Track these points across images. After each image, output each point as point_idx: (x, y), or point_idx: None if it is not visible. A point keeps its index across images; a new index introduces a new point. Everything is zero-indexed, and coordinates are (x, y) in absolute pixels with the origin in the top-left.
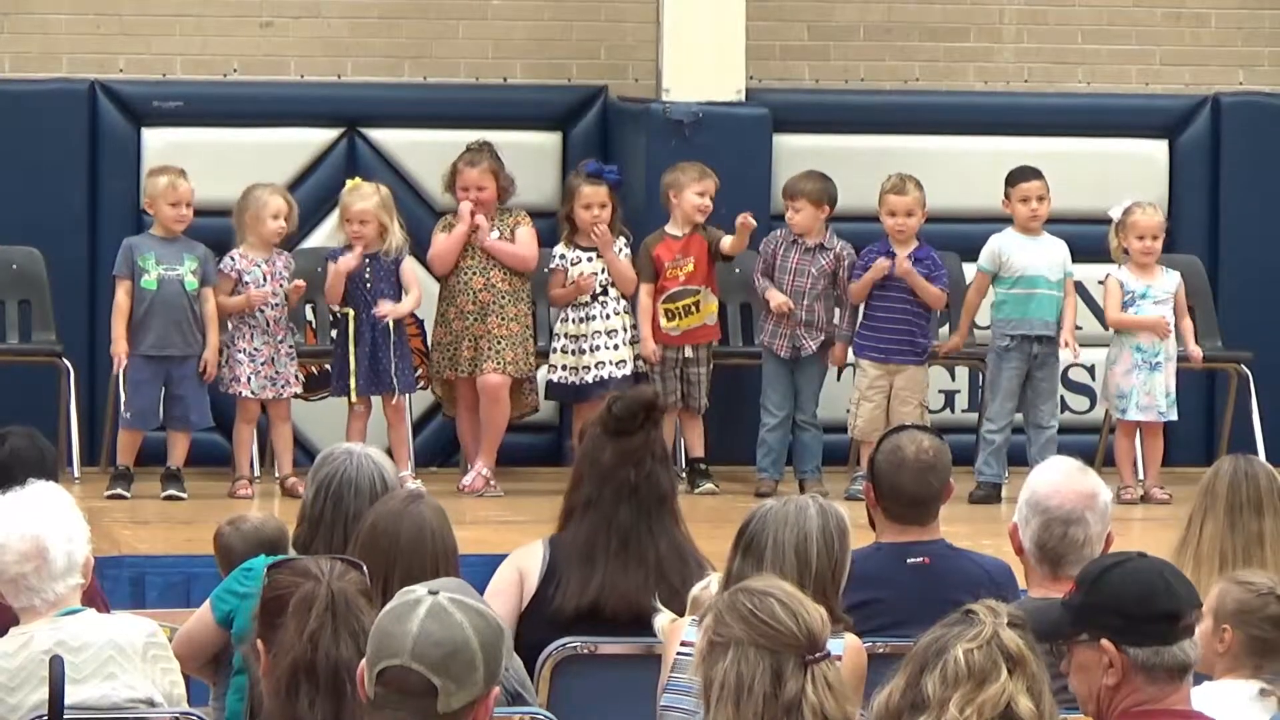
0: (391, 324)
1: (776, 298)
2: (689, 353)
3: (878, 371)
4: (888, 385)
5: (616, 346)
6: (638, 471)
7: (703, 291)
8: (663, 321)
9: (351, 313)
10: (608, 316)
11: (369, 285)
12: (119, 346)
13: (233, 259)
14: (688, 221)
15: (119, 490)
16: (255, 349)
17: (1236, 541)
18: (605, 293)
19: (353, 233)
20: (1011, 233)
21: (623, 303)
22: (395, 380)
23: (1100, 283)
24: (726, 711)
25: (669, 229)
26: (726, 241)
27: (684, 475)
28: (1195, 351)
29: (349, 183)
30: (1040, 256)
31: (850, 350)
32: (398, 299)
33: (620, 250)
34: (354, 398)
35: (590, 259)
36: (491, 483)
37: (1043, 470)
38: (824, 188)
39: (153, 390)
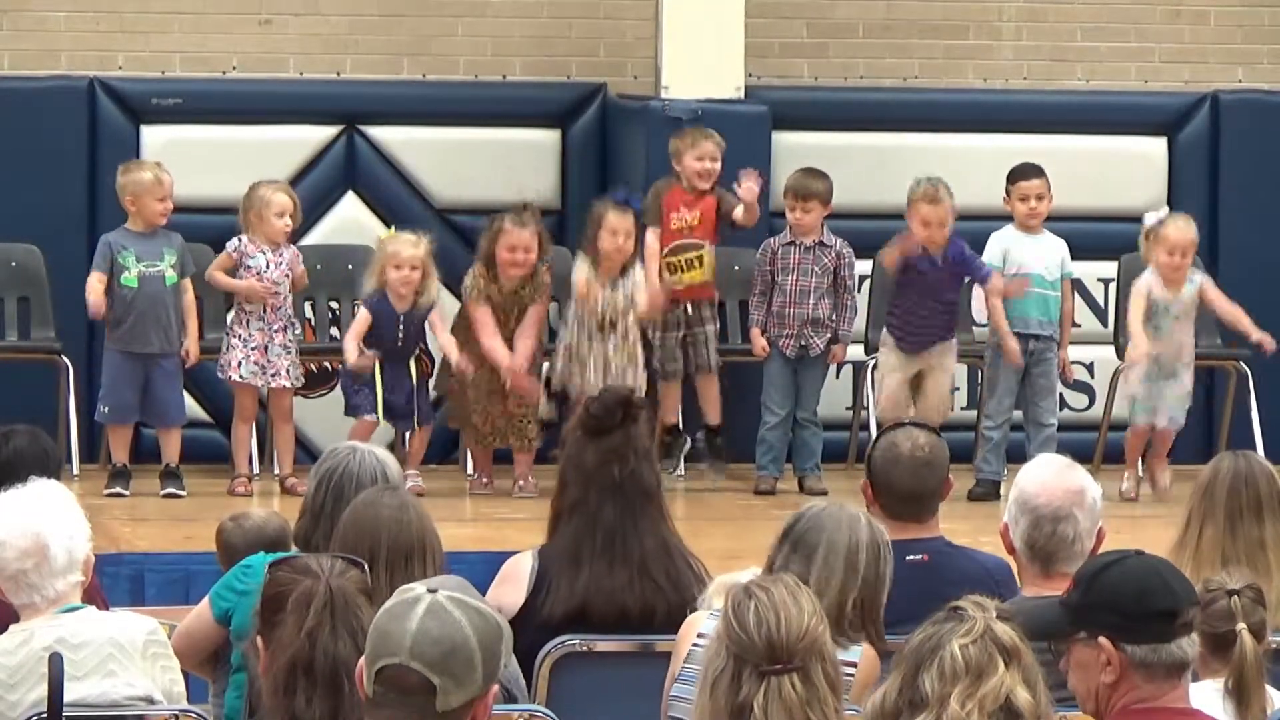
0: (414, 367)
1: (758, 341)
2: (690, 310)
3: (905, 358)
4: (916, 367)
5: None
6: (621, 469)
7: (706, 248)
8: (665, 275)
9: (379, 363)
10: (612, 350)
11: (400, 340)
12: (98, 307)
13: (239, 241)
14: (692, 188)
15: (117, 489)
16: (249, 335)
17: (1239, 548)
18: (614, 327)
19: (403, 279)
20: (1012, 230)
21: (631, 337)
22: (418, 415)
23: (1101, 280)
24: (703, 698)
25: (682, 185)
26: (739, 213)
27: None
28: (1266, 340)
29: (385, 233)
30: (1038, 255)
31: (881, 335)
32: (422, 341)
33: (635, 285)
34: (381, 420)
35: (609, 292)
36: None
37: (1030, 469)
38: (830, 187)
39: (130, 387)
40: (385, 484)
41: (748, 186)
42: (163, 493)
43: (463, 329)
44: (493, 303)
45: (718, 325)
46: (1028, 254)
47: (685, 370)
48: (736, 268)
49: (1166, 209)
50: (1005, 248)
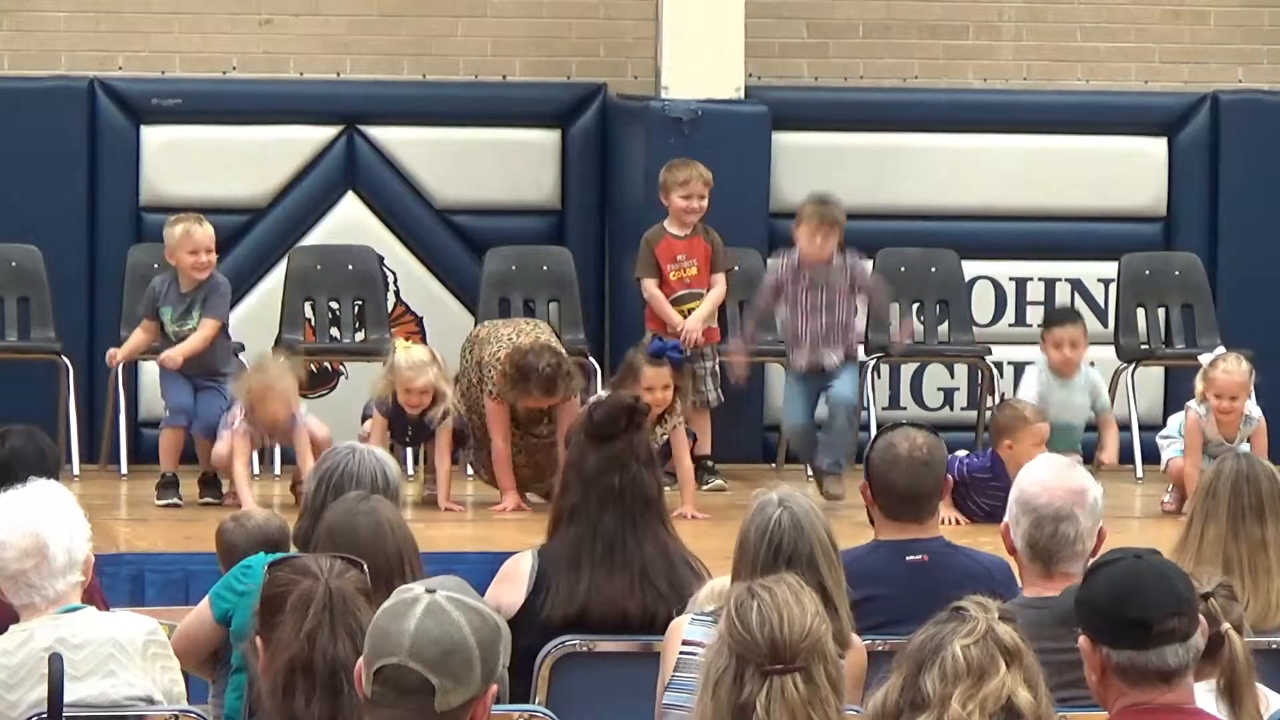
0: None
1: (736, 366)
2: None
3: None
4: None
5: None
6: (622, 476)
7: (705, 295)
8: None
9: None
10: None
11: (409, 438)
12: (120, 356)
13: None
14: (682, 224)
15: (172, 500)
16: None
17: (1241, 549)
18: None
19: (411, 403)
20: (1047, 373)
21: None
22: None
23: (1101, 280)
24: (705, 700)
25: (668, 226)
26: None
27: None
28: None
29: (400, 345)
30: (1069, 403)
31: None
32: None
33: (680, 422)
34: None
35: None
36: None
37: (1031, 469)
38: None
39: (185, 391)
40: (363, 496)
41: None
42: (202, 500)
43: (477, 410)
44: (515, 409)
45: (717, 362)
46: (1060, 404)
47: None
48: (736, 268)
49: (1222, 348)
50: (1040, 393)
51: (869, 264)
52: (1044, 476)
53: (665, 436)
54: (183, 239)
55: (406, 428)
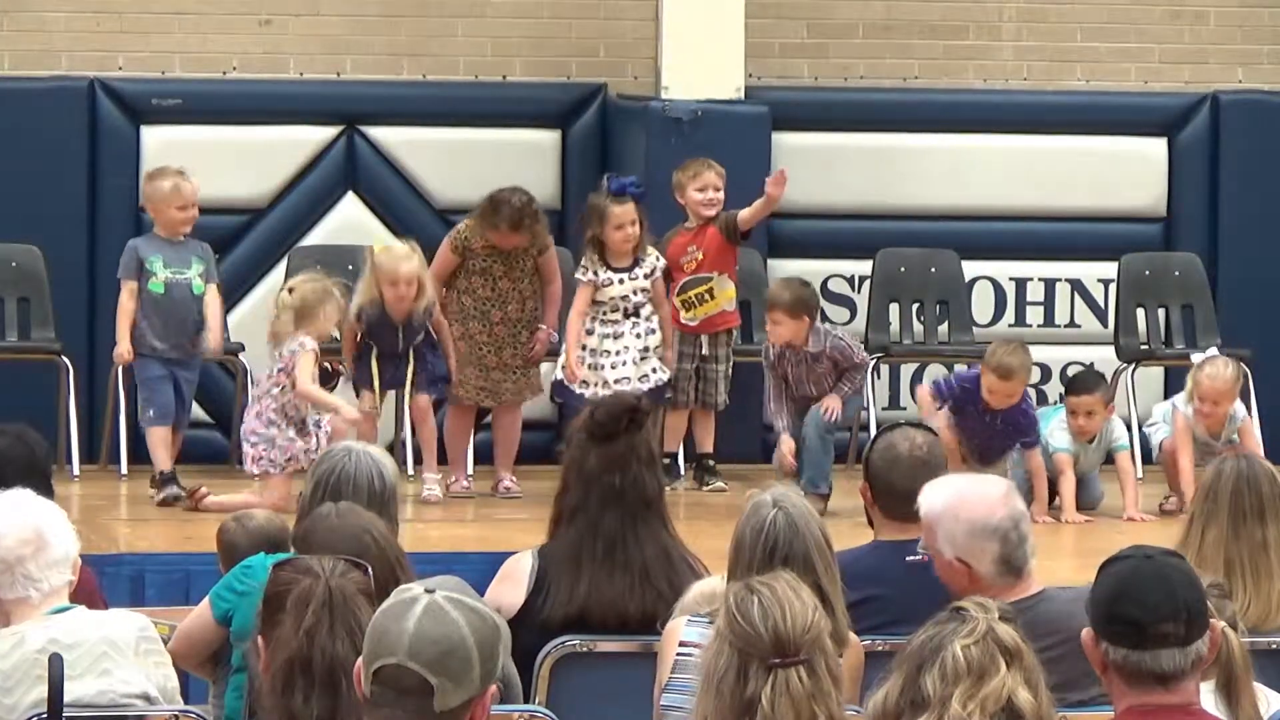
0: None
1: (786, 461)
2: (705, 349)
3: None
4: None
5: (645, 358)
6: (623, 476)
7: (715, 278)
8: (681, 314)
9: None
10: (638, 335)
11: (401, 345)
12: (123, 347)
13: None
14: (697, 218)
15: (174, 490)
16: (267, 426)
17: (1242, 550)
18: (637, 313)
19: (399, 295)
20: (1069, 435)
21: (654, 321)
22: (417, 380)
23: (1101, 280)
24: (707, 699)
25: (685, 226)
26: (744, 213)
27: (691, 471)
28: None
29: (379, 247)
30: (1095, 462)
31: None
32: (429, 340)
33: (654, 270)
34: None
35: (622, 280)
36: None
37: (956, 498)
38: (801, 297)
39: (169, 386)
40: (336, 507)
41: (774, 183)
42: (159, 498)
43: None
44: (473, 250)
45: (730, 364)
46: (1085, 460)
47: (690, 402)
48: (737, 267)
49: (1214, 349)
50: (1063, 450)
51: (849, 345)
52: (979, 495)
53: (649, 277)
54: (172, 194)
55: (397, 336)
